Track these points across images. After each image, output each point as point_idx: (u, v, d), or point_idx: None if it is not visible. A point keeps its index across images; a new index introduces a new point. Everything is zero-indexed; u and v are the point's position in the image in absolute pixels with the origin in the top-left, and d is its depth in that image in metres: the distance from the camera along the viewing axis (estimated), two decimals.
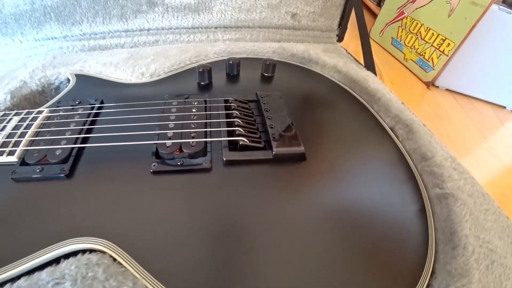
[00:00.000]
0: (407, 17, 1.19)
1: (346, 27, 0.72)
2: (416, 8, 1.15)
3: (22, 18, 0.55)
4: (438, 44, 1.06)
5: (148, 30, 0.58)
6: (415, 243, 0.29)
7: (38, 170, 0.30)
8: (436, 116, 1.01)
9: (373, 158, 0.37)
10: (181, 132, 0.33)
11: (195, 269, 0.24)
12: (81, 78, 0.46)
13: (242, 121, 0.35)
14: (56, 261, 0.25)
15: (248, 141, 0.32)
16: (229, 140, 0.33)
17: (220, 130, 0.34)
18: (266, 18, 0.62)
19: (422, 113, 1.00)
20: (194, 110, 0.36)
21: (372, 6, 1.59)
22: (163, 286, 0.23)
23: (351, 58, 0.64)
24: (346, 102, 0.48)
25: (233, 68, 0.48)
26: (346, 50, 0.68)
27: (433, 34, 1.08)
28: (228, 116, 0.36)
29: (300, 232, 0.27)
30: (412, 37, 1.16)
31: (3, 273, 0.24)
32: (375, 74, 0.59)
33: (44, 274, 0.24)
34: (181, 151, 0.30)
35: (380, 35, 1.33)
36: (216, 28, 0.60)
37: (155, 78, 0.47)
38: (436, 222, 0.32)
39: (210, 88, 0.45)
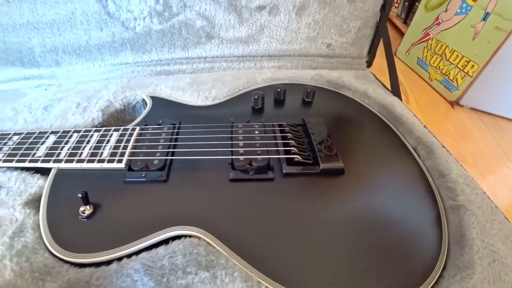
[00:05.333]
0: (432, 38, 1.27)
1: (375, 55, 0.82)
2: (442, 30, 1.23)
3: (103, 47, 0.69)
4: (462, 65, 1.13)
5: (205, 58, 0.70)
6: (432, 243, 0.38)
7: (143, 175, 0.41)
8: (460, 135, 1.07)
9: (397, 173, 0.47)
10: (250, 150, 0.43)
11: (260, 247, 0.35)
12: (156, 100, 0.58)
13: (295, 142, 0.45)
14: (165, 242, 0.36)
15: (301, 158, 0.43)
16: (287, 158, 0.43)
17: (279, 149, 0.45)
18: (305, 48, 0.73)
19: (446, 131, 1.07)
20: (256, 132, 0.47)
21: (399, 23, 1.67)
22: (243, 260, 0.33)
23: (379, 84, 0.73)
24: (375, 124, 0.57)
25: (280, 94, 0.59)
26: (374, 76, 0.77)
27: (457, 55, 1.16)
28: (283, 137, 0.47)
29: (338, 228, 0.37)
30: (437, 58, 1.24)
31: (131, 248, 0.35)
32: (401, 99, 0.68)
33: (161, 250, 0.35)
34: (251, 164, 0.41)
35: (406, 54, 1.41)
36: (262, 56, 0.72)
37: (216, 102, 0.58)
38: (449, 227, 0.41)
39: (262, 111, 0.56)
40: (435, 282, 0.35)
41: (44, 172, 0.47)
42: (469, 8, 1.13)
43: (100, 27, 0.66)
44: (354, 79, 0.70)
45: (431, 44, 1.28)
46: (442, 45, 1.22)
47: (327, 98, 0.63)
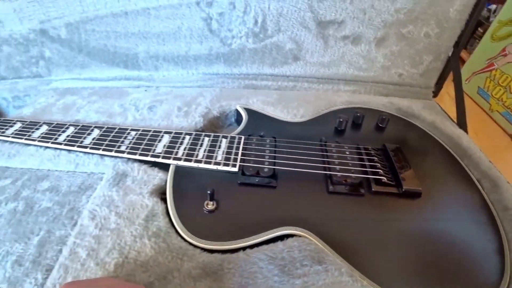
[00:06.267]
0: (497, 69, 1.33)
1: (442, 86, 0.91)
2: (508, 62, 1.29)
3: (199, 58, 0.82)
4: None
5: (288, 76, 0.83)
6: (494, 271, 0.46)
7: (257, 180, 0.54)
8: None
9: (463, 201, 0.56)
10: (344, 168, 0.55)
11: (354, 250, 0.45)
12: (250, 112, 0.71)
13: (380, 165, 0.56)
14: (279, 238, 0.47)
15: (386, 179, 0.53)
16: (375, 178, 0.54)
17: (367, 170, 0.56)
18: (378, 76, 0.84)
19: (505, 165, 1.12)
20: (347, 153, 0.58)
21: None
22: (343, 259, 0.44)
23: (446, 115, 0.82)
24: (441, 154, 0.67)
25: (358, 119, 0.70)
26: (440, 107, 0.86)
27: None
28: (370, 160, 0.58)
29: (414, 242, 0.47)
30: (500, 89, 1.30)
31: (252, 240, 0.46)
32: (467, 132, 0.77)
33: (280, 244, 0.46)
34: (346, 181, 0.52)
35: (466, 82, 1.48)
36: (339, 80, 0.83)
37: (303, 119, 0.70)
38: None
39: (343, 132, 0.67)
40: None
41: (160, 166, 0.60)
42: None
43: (201, 41, 0.80)
44: (422, 109, 0.79)
45: (494, 74, 1.34)
46: (507, 77, 1.28)
47: (398, 125, 0.73)
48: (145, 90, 0.84)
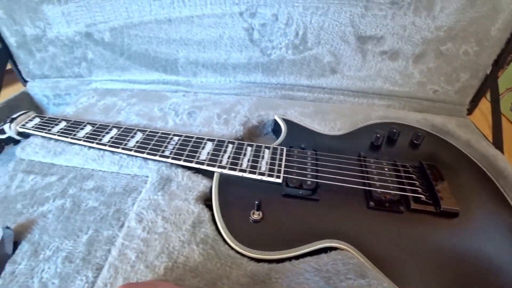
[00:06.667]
0: None
1: (477, 104, 0.93)
2: None
3: (238, 67, 0.87)
4: None
5: (324, 88, 0.86)
6: None
7: (300, 192, 0.57)
8: None
9: (499, 223, 0.58)
10: (384, 184, 0.58)
11: (394, 266, 0.49)
12: (289, 123, 0.75)
13: (418, 183, 0.59)
14: (323, 250, 0.51)
15: (424, 198, 0.57)
16: (413, 196, 0.57)
17: (405, 188, 0.59)
18: (413, 91, 0.87)
19: None
20: (386, 169, 0.61)
21: None
22: (383, 274, 0.48)
23: (481, 134, 0.84)
24: (477, 174, 0.69)
25: (394, 134, 0.72)
26: (475, 125, 0.89)
27: None
28: (408, 177, 0.61)
29: (451, 260, 0.50)
30: None
31: (298, 251, 0.50)
32: (503, 152, 0.79)
33: (325, 257, 0.49)
34: (385, 197, 0.56)
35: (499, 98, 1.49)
36: (374, 94, 0.86)
37: (340, 133, 0.73)
38: None
39: (379, 148, 0.70)
40: None
41: (203, 173, 0.64)
42: None
43: (241, 50, 0.84)
44: (456, 126, 0.81)
45: None
46: None
47: (432, 142, 0.75)
48: (183, 95, 0.88)
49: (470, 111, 0.94)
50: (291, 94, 0.87)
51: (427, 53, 0.82)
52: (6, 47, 0.97)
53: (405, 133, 0.74)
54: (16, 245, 0.57)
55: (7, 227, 0.58)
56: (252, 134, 0.78)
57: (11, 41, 0.96)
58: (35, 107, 1.08)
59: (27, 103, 1.05)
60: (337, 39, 0.80)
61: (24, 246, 0.56)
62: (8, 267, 0.53)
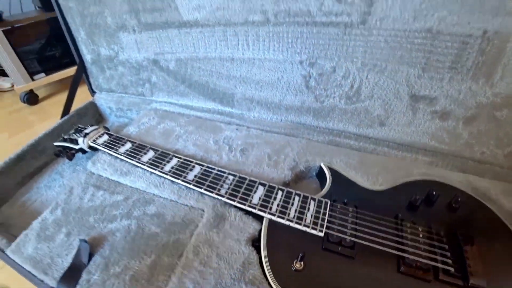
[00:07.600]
0: None
1: None
2: None
3: (291, 108, 0.97)
4: None
5: (370, 138, 0.95)
6: None
7: (339, 249, 0.67)
8: None
9: None
10: (415, 251, 0.66)
11: None
12: (334, 173, 0.84)
13: (450, 254, 0.66)
14: None
15: (454, 270, 0.65)
16: (443, 268, 0.65)
17: (437, 258, 0.65)
18: (460, 151, 0.92)
19: None
20: (420, 236, 0.70)
21: None
22: None
23: None
24: None
25: (433, 197, 0.80)
26: None
27: None
28: (441, 247, 0.67)
29: None
30: None
31: None
32: None
33: None
34: (416, 264, 0.64)
35: None
36: (418, 149, 0.94)
37: (381, 188, 0.81)
38: None
39: (417, 209, 0.78)
40: None
41: (253, 215, 0.75)
42: None
43: (295, 94, 0.95)
44: (501, 193, 0.84)
45: None
46: None
47: (472, 208, 0.79)
48: (236, 129, 1.00)
49: None
50: (338, 140, 0.96)
51: (479, 117, 0.87)
52: (82, 62, 1.14)
53: (445, 194, 0.79)
54: (90, 256, 0.70)
55: (85, 241, 0.72)
56: (298, 177, 0.88)
57: (87, 57, 1.13)
58: (99, 114, 1.25)
59: (93, 111, 1.23)
60: (390, 95, 0.88)
61: (97, 259, 0.70)
62: (84, 276, 0.67)
